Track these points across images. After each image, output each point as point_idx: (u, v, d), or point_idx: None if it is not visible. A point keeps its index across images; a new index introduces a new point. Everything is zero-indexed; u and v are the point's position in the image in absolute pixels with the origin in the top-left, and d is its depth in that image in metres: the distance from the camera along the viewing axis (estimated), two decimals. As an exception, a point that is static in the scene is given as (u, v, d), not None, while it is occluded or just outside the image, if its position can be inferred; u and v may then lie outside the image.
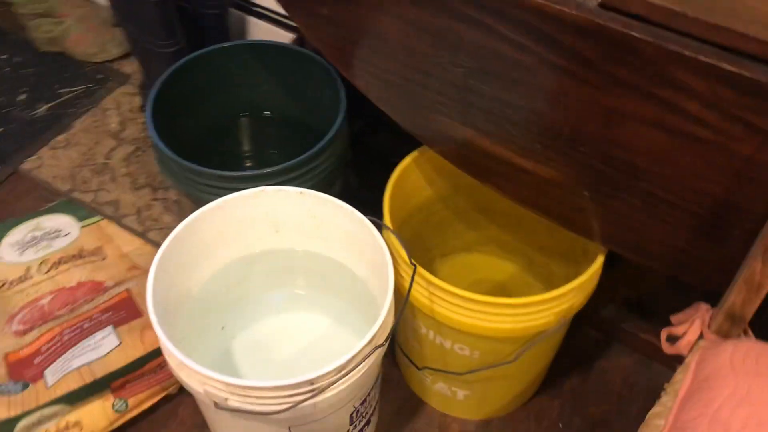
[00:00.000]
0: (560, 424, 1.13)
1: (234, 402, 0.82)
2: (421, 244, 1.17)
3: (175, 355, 0.82)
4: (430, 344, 1.01)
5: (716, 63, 0.62)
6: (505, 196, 0.90)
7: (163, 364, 1.10)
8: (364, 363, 0.84)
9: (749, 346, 0.69)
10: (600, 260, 0.91)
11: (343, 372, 0.82)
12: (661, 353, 0.79)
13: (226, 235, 1.00)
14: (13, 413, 1.00)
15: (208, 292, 1.02)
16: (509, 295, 0.90)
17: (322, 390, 0.81)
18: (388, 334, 0.85)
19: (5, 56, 1.74)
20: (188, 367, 0.81)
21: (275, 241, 1.04)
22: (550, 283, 1.12)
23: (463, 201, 1.15)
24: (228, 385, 0.80)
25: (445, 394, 1.09)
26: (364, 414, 0.99)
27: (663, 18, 0.64)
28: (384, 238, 0.92)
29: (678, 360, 0.75)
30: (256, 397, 0.81)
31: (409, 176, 1.05)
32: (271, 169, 1.01)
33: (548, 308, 0.89)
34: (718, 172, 0.69)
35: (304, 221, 1.02)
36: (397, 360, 1.18)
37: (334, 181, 1.12)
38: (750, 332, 0.74)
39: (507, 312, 0.89)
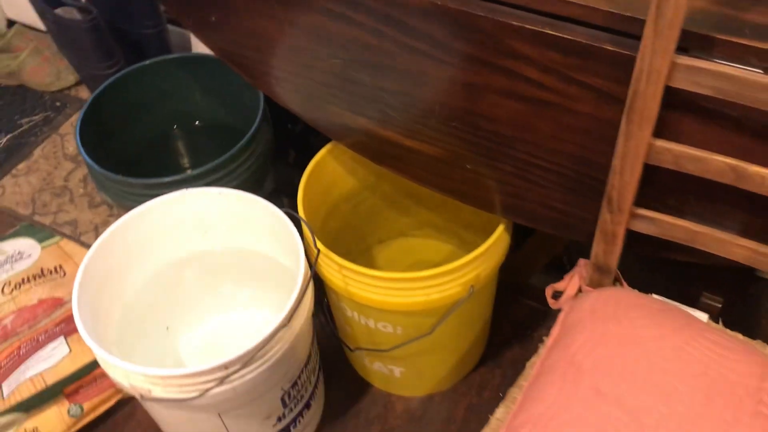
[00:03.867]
0: (501, 394, 1.17)
1: (157, 392, 0.87)
2: (354, 233, 1.22)
3: (100, 355, 0.87)
4: (357, 325, 1.05)
5: (541, 29, 0.67)
6: (404, 177, 0.95)
7: (114, 369, 1.15)
8: (274, 345, 0.88)
9: (610, 293, 0.73)
10: (500, 229, 0.95)
11: (254, 356, 0.86)
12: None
13: (155, 240, 1.06)
14: (-31, 424, 1.06)
15: (143, 295, 1.08)
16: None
17: (236, 372, 0.86)
18: (287, 314, 0.89)
19: (-32, 93, 1.81)
20: (112, 365, 0.87)
21: (204, 243, 1.10)
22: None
23: (388, 187, 1.20)
24: (147, 376, 0.85)
25: (384, 373, 1.14)
26: (298, 397, 1.04)
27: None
28: (303, 229, 0.97)
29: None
30: (176, 386, 0.86)
31: (326, 167, 1.09)
32: (194, 172, 1.06)
33: (455, 278, 0.94)
34: (569, 131, 0.73)
35: (229, 219, 1.07)
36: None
37: (262, 179, 1.17)
38: (623, 282, 0.78)
39: (416, 286, 0.93)
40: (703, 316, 0.76)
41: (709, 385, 0.64)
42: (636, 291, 0.77)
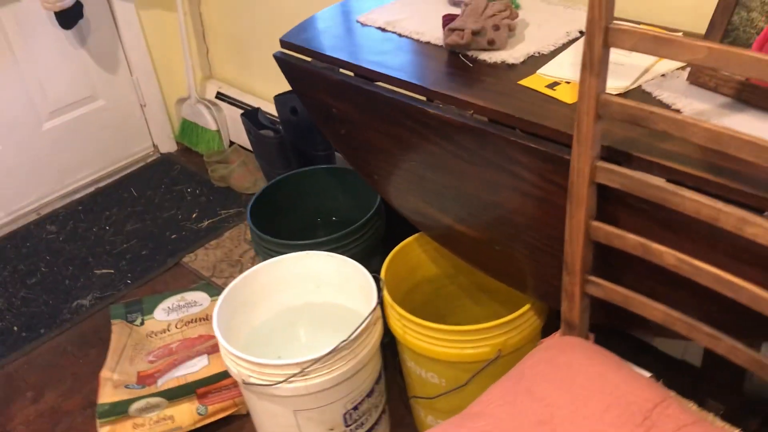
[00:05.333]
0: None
1: (253, 379, 1.22)
2: (435, 312, 1.52)
3: (221, 342, 1.24)
4: (413, 374, 1.34)
5: (527, 143, 0.99)
6: (457, 255, 1.26)
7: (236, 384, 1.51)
8: (339, 360, 1.20)
9: (569, 339, 0.98)
10: (525, 307, 1.22)
11: (323, 362, 1.18)
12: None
13: (280, 286, 1.44)
14: (131, 396, 1.46)
15: (266, 327, 1.45)
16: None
17: (311, 370, 1.18)
18: (353, 334, 1.20)
19: (190, 188, 2.41)
20: (227, 350, 1.23)
21: (316, 295, 1.46)
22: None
23: (464, 279, 1.50)
24: (247, 362, 1.20)
25: (433, 425, 1.39)
26: (359, 422, 1.32)
27: (500, 118, 1.02)
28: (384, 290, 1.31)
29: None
30: (265, 373, 1.20)
31: (412, 251, 1.43)
32: (317, 240, 1.45)
33: (483, 339, 1.21)
34: (554, 218, 1.02)
35: (335, 279, 1.43)
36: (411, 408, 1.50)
37: (370, 256, 1.53)
38: (589, 337, 1.02)
39: (453, 338, 1.21)
40: (646, 374, 0.97)
41: (612, 401, 0.86)
42: (591, 342, 1.00)
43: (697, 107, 0.95)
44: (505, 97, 1.05)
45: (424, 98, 1.15)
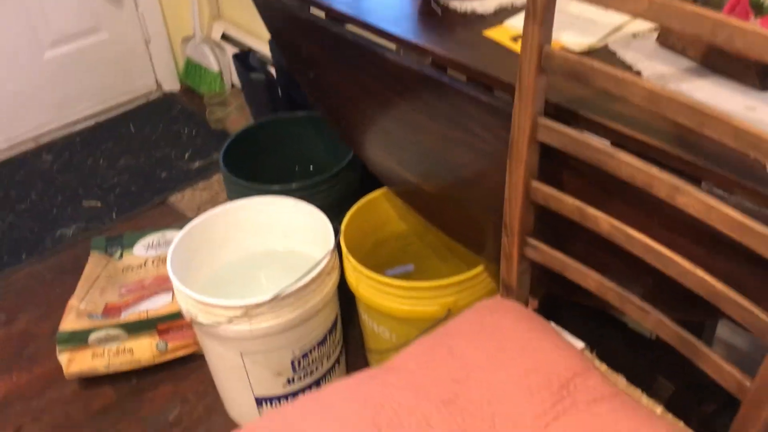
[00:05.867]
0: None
1: (201, 318, 1.21)
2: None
3: (174, 282, 1.24)
4: (367, 328, 1.32)
5: (479, 96, 0.95)
6: (419, 213, 1.23)
7: (198, 323, 1.51)
8: (288, 305, 1.18)
9: (499, 300, 0.95)
10: (478, 269, 1.19)
11: (270, 305, 1.17)
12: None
13: (245, 229, 1.43)
14: (90, 326, 1.47)
15: (227, 271, 1.44)
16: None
17: (256, 313, 1.17)
18: (303, 280, 1.18)
19: (187, 129, 2.40)
20: (178, 289, 1.23)
21: (279, 242, 1.45)
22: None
23: (433, 238, 1.47)
24: (196, 301, 1.20)
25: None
26: (308, 370, 1.31)
27: (455, 68, 0.98)
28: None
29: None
30: (212, 313, 1.19)
31: (379, 206, 1.41)
32: (285, 187, 1.43)
33: (434, 297, 1.18)
34: (496, 173, 0.98)
35: (299, 227, 1.41)
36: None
37: (345, 206, 1.50)
38: (529, 303, 0.99)
39: (404, 294, 1.19)
40: (579, 344, 0.93)
41: (533, 366, 0.84)
42: (525, 308, 0.96)
43: (658, 70, 0.90)
44: (465, 48, 1.00)
45: (392, 45, 1.10)
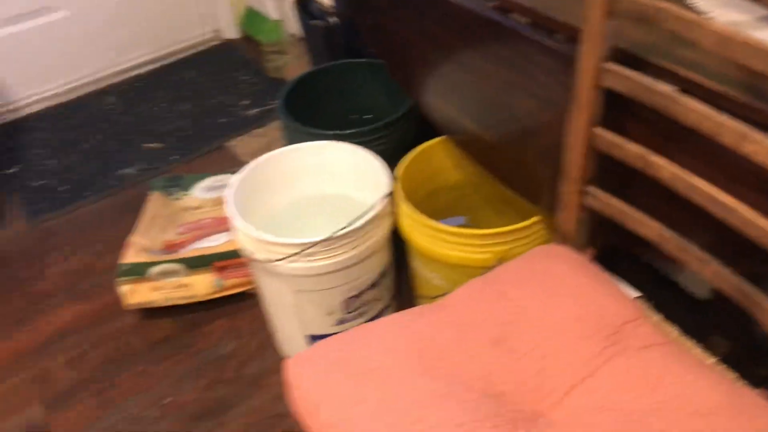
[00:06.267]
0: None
1: (258, 255, 1.24)
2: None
3: (232, 218, 1.27)
4: (419, 275, 1.34)
5: (542, 41, 0.94)
6: (476, 162, 1.23)
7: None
8: (343, 246, 1.21)
9: (555, 247, 0.95)
10: (533, 219, 1.19)
11: (323, 245, 1.20)
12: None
13: (300, 173, 1.45)
14: (151, 260, 1.53)
15: (282, 214, 1.47)
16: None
17: (312, 252, 1.20)
18: (357, 223, 1.21)
19: (245, 77, 2.42)
20: (237, 226, 1.26)
21: (333, 186, 1.47)
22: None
23: (489, 189, 1.47)
24: (254, 239, 1.23)
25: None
26: (360, 311, 1.34)
27: (518, 10, 0.97)
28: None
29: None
30: (270, 251, 1.22)
31: (435, 155, 1.41)
32: (344, 132, 1.44)
33: (486, 245, 1.19)
34: (556, 122, 0.98)
35: (352, 172, 1.43)
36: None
37: (399, 155, 1.50)
38: (589, 253, 0.99)
39: (457, 241, 1.20)
40: (634, 293, 0.93)
41: (584, 312, 0.84)
42: (581, 256, 0.96)
43: (733, 17, 0.87)
44: (531, -9, 0.99)
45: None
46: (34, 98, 2.31)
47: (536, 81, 0.97)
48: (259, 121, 2.20)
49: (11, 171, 2.07)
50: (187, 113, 2.26)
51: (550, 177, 1.04)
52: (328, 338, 0.84)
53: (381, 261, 1.34)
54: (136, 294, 1.53)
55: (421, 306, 0.90)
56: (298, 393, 0.79)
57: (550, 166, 1.03)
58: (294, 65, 2.36)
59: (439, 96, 1.22)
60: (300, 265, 1.22)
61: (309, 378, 0.78)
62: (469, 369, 0.78)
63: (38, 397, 1.43)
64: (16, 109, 2.29)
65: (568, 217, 0.96)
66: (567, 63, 0.91)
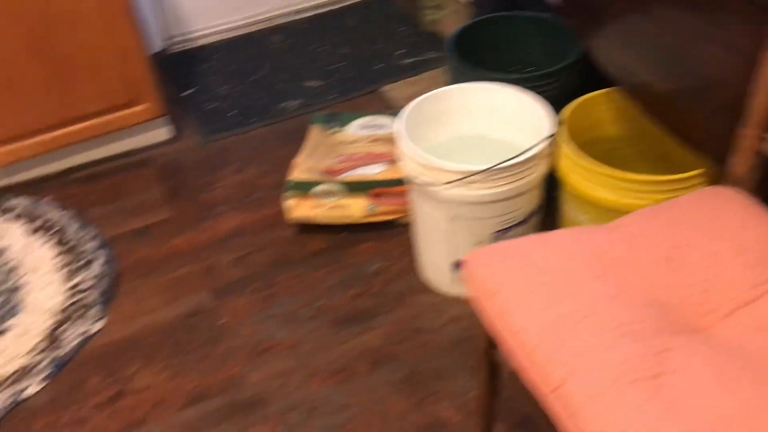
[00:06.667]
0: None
1: (421, 178, 1.35)
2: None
3: (405, 143, 1.37)
4: (568, 219, 1.40)
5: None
6: (646, 113, 1.27)
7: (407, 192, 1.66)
8: (501, 179, 1.29)
9: (724, 190, 0.99)
10: (698, 170, 1.22)
11: (483, 175, 1.28)
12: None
13: (462, 112, 1.53)
14: (315, 179, 1.67)
15: (440, 149, 1.56)
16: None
17: (472, 180, 1.28)
18: (517, 158, 1.28)
19: (402, 28, 2.53)
20: (409, 155, 1.36)
21: (492, 129, 1.54)
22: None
23: (646, 146, 1.50)
24: (419, 163, 1.33)
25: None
26: (507, 244, 1.42)
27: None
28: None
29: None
30: (433, 176, 1.32)
31: (597, 106, 1.46)
32: (511, 77, 1.51)
33: (646, 192, 1.23)
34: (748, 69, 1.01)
35: (514, 115, 1.50)
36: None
37: (560, 102, 1.55)
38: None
39: (614, 183, 1.25)
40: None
41: (749, 247, 0.88)
42: (746, 195, 0.98)
43: None
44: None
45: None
46: (211, 30, 2.51)
47: (729, 30, 1.01)
48: (413, 70, 2.30)
49: (187, 93, 2.27)
50: (347, 57, 2.39)
51: (727, 124, 1.07)
52: (508, 240, 0.93)
53: (533, 200, 1.41)
54: (298, 208, 1.68)
55: (592, 225, 0.97)
56: (478, 280, 0.88)
57: (728, 113, 1.06)
58: (450, 20, 2.43)
59: (618, 44, 1.27)
60: (460, 191, 1.32)
61: (490, 267, 0.88)
62: (638, 279, 0.85)
63: (207, 286, 1.61)
64: (194, 39, 2.50)
65: (742, 162, 1.00)
66: (765, 12, 0.94)
